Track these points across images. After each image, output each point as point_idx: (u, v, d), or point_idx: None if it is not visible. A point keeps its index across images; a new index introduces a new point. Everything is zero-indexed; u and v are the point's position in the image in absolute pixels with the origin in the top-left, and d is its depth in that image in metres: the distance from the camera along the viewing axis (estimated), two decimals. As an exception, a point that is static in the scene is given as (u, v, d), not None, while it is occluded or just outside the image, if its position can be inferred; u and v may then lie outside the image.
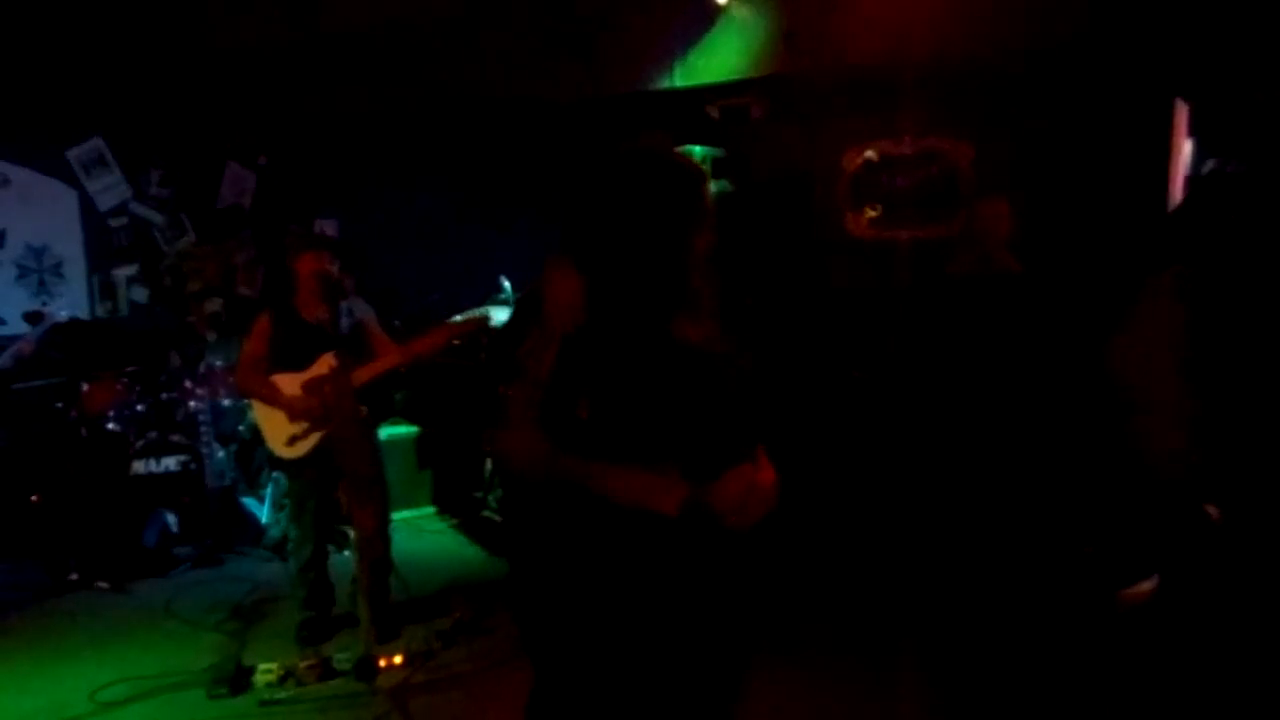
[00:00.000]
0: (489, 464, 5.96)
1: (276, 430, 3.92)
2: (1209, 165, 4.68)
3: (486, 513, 5.79)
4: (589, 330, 1.70)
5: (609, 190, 1.68)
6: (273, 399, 3.89)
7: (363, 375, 3.85)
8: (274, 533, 5.32)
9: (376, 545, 3.95)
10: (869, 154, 5.27)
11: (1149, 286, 2.47)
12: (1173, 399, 2.33)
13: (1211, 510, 2.39)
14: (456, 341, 4.08)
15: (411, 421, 6.04)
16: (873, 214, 5.26)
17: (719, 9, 5.17)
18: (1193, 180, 4.49)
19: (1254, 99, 4.45)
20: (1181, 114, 4.60)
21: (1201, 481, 2.32)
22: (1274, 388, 2.19)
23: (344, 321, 3.98)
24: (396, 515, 5.64)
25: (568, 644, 1.80)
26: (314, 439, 3.88)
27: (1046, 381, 3.36)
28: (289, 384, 3.90)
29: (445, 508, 6.01)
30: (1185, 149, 4.67)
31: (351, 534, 4.02)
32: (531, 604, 1.84)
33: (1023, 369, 3.56)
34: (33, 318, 5.25)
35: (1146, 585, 2.42)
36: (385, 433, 5.78)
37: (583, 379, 1.67)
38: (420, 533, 5.67)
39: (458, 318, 5.01)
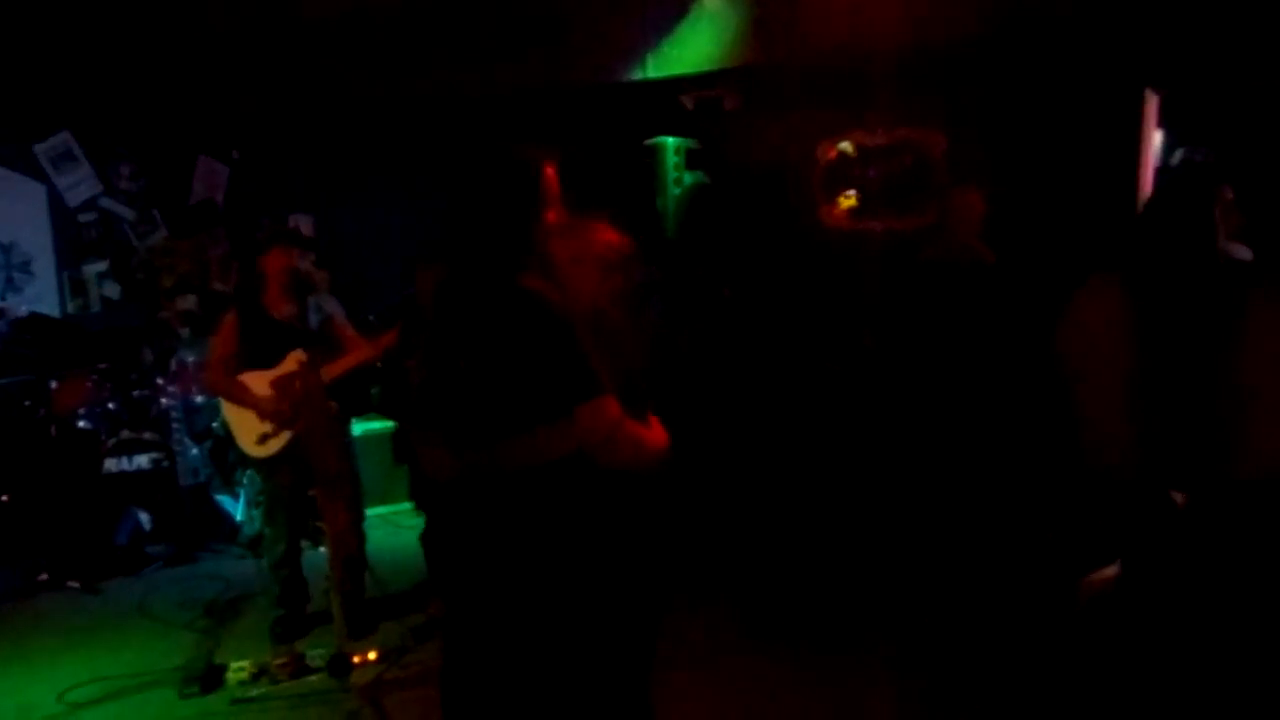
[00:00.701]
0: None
1: (247, 429, 3.88)
2: (1179, 155, 4.71)
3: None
4: (451, 300, 2.01)
5: (465, 180, 2.02)
6: (242, 399, 3.86)
7: (332, 371, 3.83)
8: (248, 530, 5.28)
9: (349, 542, 3.93)
10: (843, 145, 5.28)
11: (1089, 283, 2.48)
12: (1112, 391, 2.35)
13: (1176, 496, 2.41)
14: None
15: (387, 417, 6.01)
16: (850, 201, 5.26)
17: (691, 0, 5.16)
18: (1161, 170, 4.52)
19: (1223, 89, 4.49)
20: (1152, 104, 4.63)
21: (1146, 468, 2.34)
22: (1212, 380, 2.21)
23: (312, 317, 3.96)
24: (373, 511, 5.63)
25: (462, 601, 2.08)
26: (285, 437, 3.85)
27: (1012, 369, 3.38)
28: (258, 382, 3.87)
29: (421, 503, 5.98)
30: (1155, 139, 4.69)
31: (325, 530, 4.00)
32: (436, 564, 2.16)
33: (990, 356, 3.58)
34: (-3, 313, 5.18)
35: (1109, 571, 2.44)
36: (360, 428, 5.75)
37: (457, 340, 1.96)
38: (396, 529, 5.64)
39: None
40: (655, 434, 2.00)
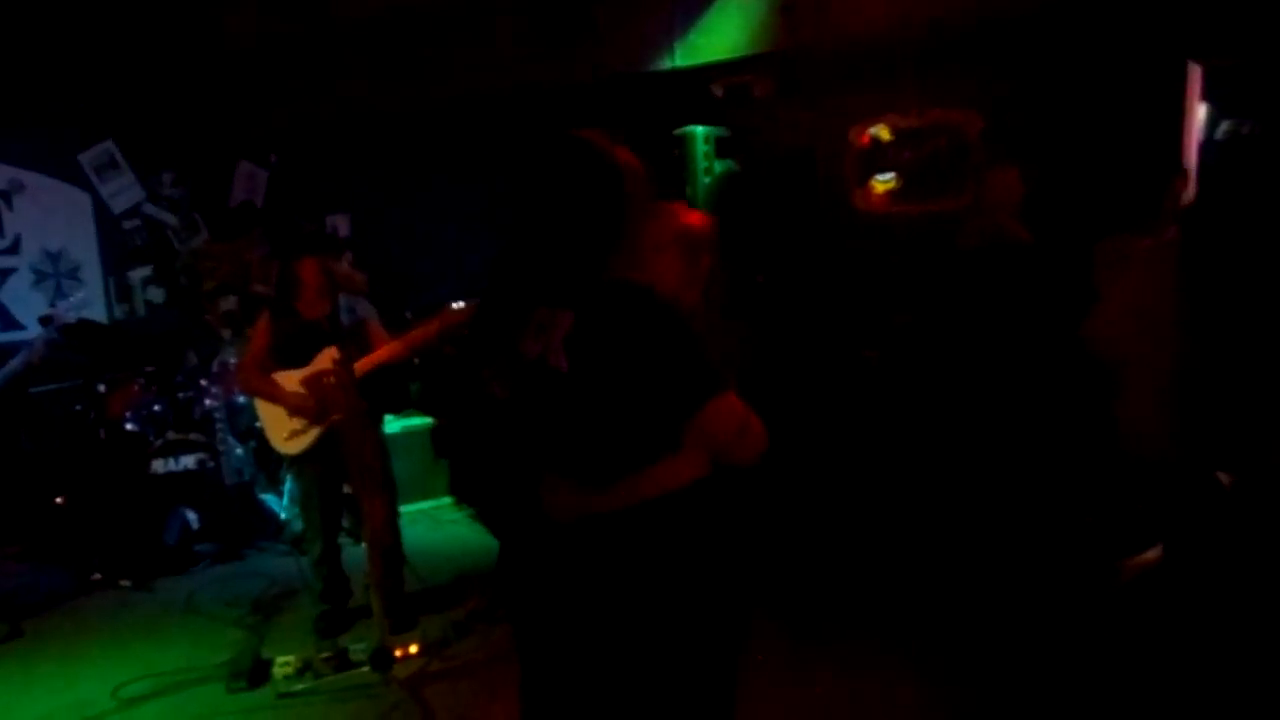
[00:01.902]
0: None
1: (276, 426, 3.95)
2: (1224, 128, 4.56)
3: (503, 502, 5.79)
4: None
5: (542, 176, 1.80)
6: (271, 394, 3.92)
7: (360, 367, 3.86)
8: (293, 528, 5.36)
9: (386, 536, 3.97)
10: (876, 129, 5.20)
11: (1119, 255, 2.41)
12: (1154, 370, 2.28)
13: (1223, 477, 2.34)
14: (457, 328, 4.08)
15: (426, 413, 6.06)
16: (888, 184, 5.18)
17: (718, -13, 5.12)
18: (1206, 144, 4.38)
19: (1268, 61, 4.33)
20: (1195, 77, 4.48)
21: (1184, 451, 2.27)
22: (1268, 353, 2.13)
23: (345, 317, 4.00)
24: (415, 506, 5.68)
25: (539, 630, 1.90)
26: (314, 434, 3.90)
27: (1055, 352, 3.30)
28: (291, 381, 3.93)
29: (461, 498, 6.02)
30: (1199, 112, 4.55)
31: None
32: (510, 593, 1.94)
33: (1032, 340, 3.50)
34: (45, 321, 5.31)
35: (1151, 554, 2.37)
36: (399, 425, 5.81)
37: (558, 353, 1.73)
38: (437, 523, 5.69)
39: (458, 304, 5.00)
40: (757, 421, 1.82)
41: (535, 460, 1.80)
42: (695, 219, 2.23)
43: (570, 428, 1.74)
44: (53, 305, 5.87)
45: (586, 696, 1.86)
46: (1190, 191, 2.61)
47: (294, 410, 3.90)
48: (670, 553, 1.77)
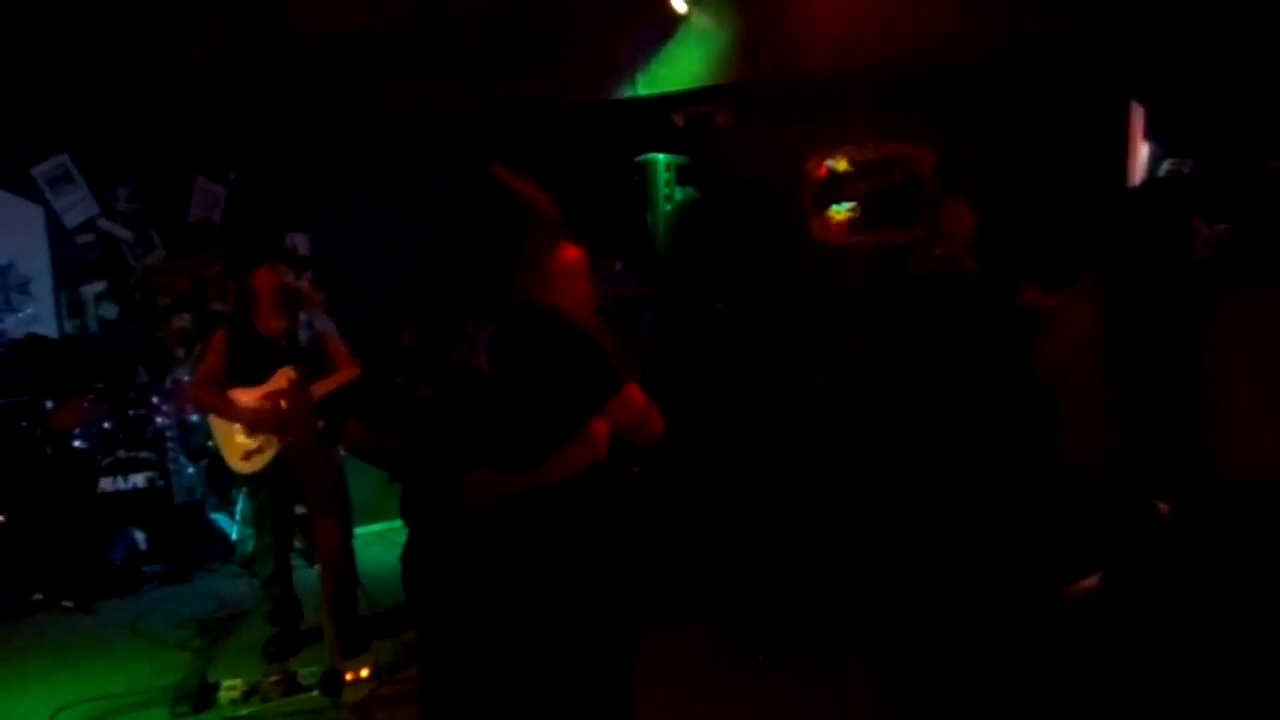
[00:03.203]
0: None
1: (232, 446, 3.91)
2: (1166, 166, 4.73)
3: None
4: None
5: (455, 206, 2.09)
6: (227, 412, 3.88)
7: (320, 389, 3.85)
8: (243, 549, 5.29)
9: (339, 558, 3.94)
10: (833, 160, 5.31)
11: (1073, 284, 2.51)
12: (1092, 395, 2.37)
13: (1161, 506, 2.42)
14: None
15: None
16: (846, 213, 5.28)
17: (679, 18, 5.19)
18: (1143, 182, 4.54)
19: (1208, 100, 4.51)
20: (1138, 116, 4.65)
21: (1124, 477, 2.35)
22: (1185, 383, 2.23)
23: (303, 335, 3.98)
24: (368, 528, 5.63)
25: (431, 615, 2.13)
26: (270, 453, 3.87)
27: (998, 380, 3.39)
28: (246, 398, 3.90)
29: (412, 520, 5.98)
30: (1142, 151, 4.71)
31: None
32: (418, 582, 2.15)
33: (977, 367, 3.59)
34: (-10, 335, 5.22)
35: (1090, 581, 2.44)
36: (356, 446, 5.76)
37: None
38: (392, 546, 5.59)
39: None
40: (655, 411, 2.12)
41: (455, 451, 1.99)
42: (573, 252, 2.49)
43: (489, 419, 1.98)
44: (0, 320, 5.75)
45: (487, 680, 2.07)
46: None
47: (249, 427, 3.86)
48: (568, 534, 2.03)
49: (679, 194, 5.32)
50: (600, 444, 2.02)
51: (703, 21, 5.18)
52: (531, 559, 2.00)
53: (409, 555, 2.15)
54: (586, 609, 2.08)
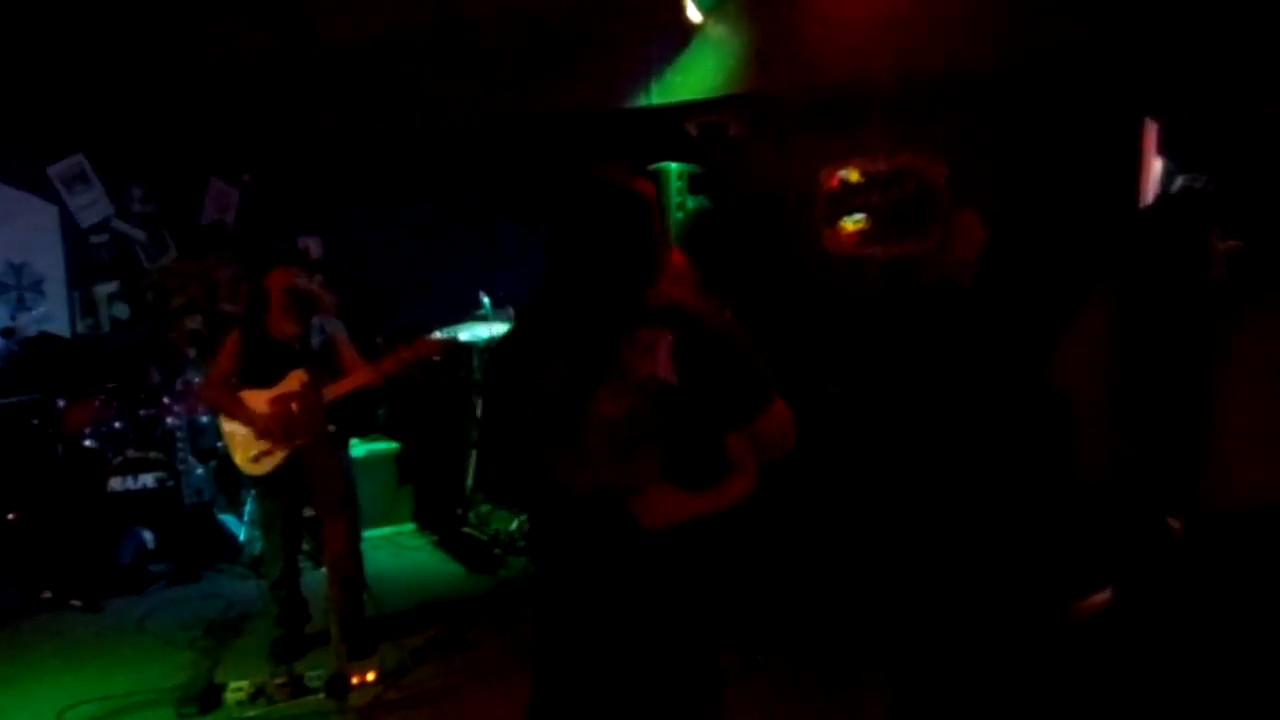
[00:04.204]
0: (470, 480, 5.96)
1: (242, 447, 3.92)
2: (1179, 182, 4.72)
3: (467, 529, 5.78)
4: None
5: (580, 213, 1.96)
6: (238, 414, 3.90)
7: (331, 393, 3.86)
8: (251, 550, 5.30)
9: (347, 562, 3.95)
10: (845, 171, 5.31)
11: (1091, 296, 2.50)
12: (1106, 408, 2.36)
13: (1174, 523, 2.41)
14: (435, 359, 4.12)
15: (392, 438, 6.04)
16: (858, 224, 5.28)
17: (694, 28, 5.21)
18: (1159, 197, 4.53)
19: (1220, 118, 4.50)
20: (1151, 132, 4.64)
21: (1134, 491, 2.34)
22: (1199, 399, 2.22)
23: (315, 338, 3.99)
24: (377, 532, 5.65)
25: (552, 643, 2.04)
26: (279, 456, 3.88)
27: (1005, 392, 3.39)
28: (257, 400, 3.91)
29: (425, 524, 6.00)
30: (1155, 167, 4.71)
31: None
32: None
33: (981, 379, 3.60)
34: (6, 333, 5.24)
35: (1101, 596, 2.43)
36: (366, 449, 5.78)
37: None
38: (400, 549, 5.66)
39: (435, 335, 5.03)
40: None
41: (636, 469, 1.87)
42: (678, 258, 2.40)
43: (676, 434, 1.86)
44: (13, 318, 5.78)
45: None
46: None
47: (261, 431, 3.87)
48: (707, 563, 1.96)
49: (691, 203, 5.33)
50: (755, 475, 1.93)
51: (718, 32, 5.19)
52: (676, 587, 1.93)
53: (549, 578, 2.07)
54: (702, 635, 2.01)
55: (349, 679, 3.72)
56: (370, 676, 3.80)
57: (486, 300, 5.69)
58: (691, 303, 1.91)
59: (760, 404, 1.89)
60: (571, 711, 2.03)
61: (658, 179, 5.28)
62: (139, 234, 6.57)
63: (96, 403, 5.39)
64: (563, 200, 1.98)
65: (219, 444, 5.60)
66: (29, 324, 5.52)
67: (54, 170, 6.17)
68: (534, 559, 2.06)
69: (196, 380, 5.55)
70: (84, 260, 6.29)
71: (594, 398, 1.86)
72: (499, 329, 5.40)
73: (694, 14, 5.10)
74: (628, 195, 1.93)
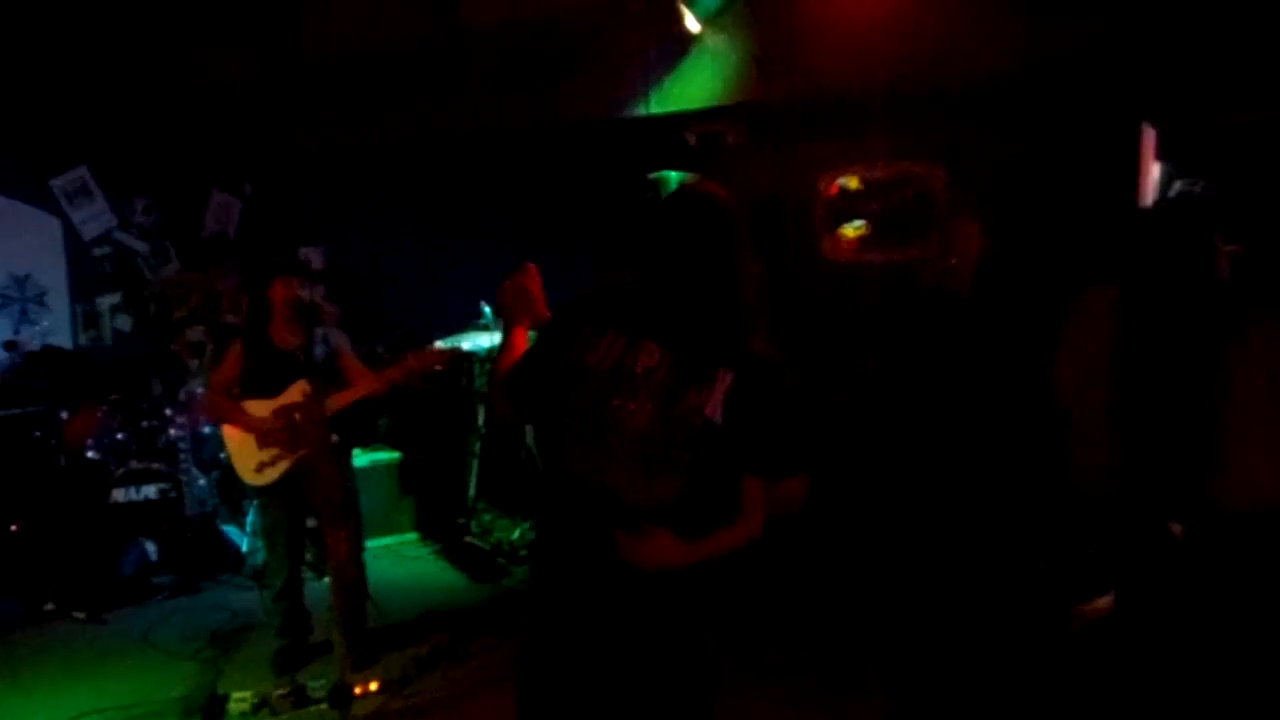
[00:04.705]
0: (471, 490, 5.97)
1: (245, 457, 3.93)
2: (1177, 187, 4.74)
3: (469, 539, 5.78)
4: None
5: (677, 227, 1.95)
6: (240, 423, 3.90)
7: (335, 403, 3.87)
8: (254, 560, 5.30)
9: (350, 571, 3.95)
10: (844, 178, 5.33)
11: (1085, 304, 2.51)
12: (1104, 415, 2.36)
13: (1174, 527, 2.41)
14: (438, 368, 4.12)
15: (394, 447, 6.05)
16: (858, 230, 5.30)
17: (693, 38, 5.23)
18: (1159, 202, 4.55)
19: (1218, 123, 4.52)
20: (1149, 137, 4.66)
21: (1132, 497, 2.35)
22: (1201, 405, 2.23)
23: (319, 349, 4.00)
24: (379, 542, 5.65)
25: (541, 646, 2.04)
26: (282, 466, 3.89)
27: (1002, 398, 3.39)
28: (260, 410, 3.92)
29: (427, 534, 6.00)
30: (1154, 172, 4.72)
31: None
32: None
33: (979, 384, 3.60)
34: (9, 346, 5.25)
35: (1103, 601, 2.43)
36: (367, 459, 5.79)
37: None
38: (401, 559, 5.66)
39: (439, 344, 5.03)
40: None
41: (645, 493, 1.87)
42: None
43: (701, 471, 1.86)
44: (17, 331, 5.81)
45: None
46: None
47: (264, 441, 3.88)
48: (702, 606, 1.97)
49: (691, 211, 5.34)
50: (761, 523, 1.93)
51: (716, 41, 5.22)
52: (661, 613, 1.94)
53: (541, 586, 2.08)
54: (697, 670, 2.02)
55: (352, 689, 3.71)
56: (373, 686, 3.80)
57: (488, 310, 5.70)
58: (767, 352, 1.90)
59: (792, 470, 1.94)
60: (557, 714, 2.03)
61: (657, 188, 5.30)
62: (141, 246, 6.60)
63: (99, 414, 5.40)
64: (666, 210, 1.99)
65: (221, 455, 5.61)
66: (32, 337, 5.54)
67: (57, 183, 6.20)
68: (531, 554, 2.11)
69: (199, 391, 5.56)
70: (87, 272, 6.32)
71: (634, 407, 1.86)
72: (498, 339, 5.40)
73: (692, 24, 5.12)
74: (719, 209, 1.94)
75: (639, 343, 1.91)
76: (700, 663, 2.00)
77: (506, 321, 2.23)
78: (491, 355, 5.31)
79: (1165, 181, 4.78)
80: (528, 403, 2.06)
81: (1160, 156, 4.74)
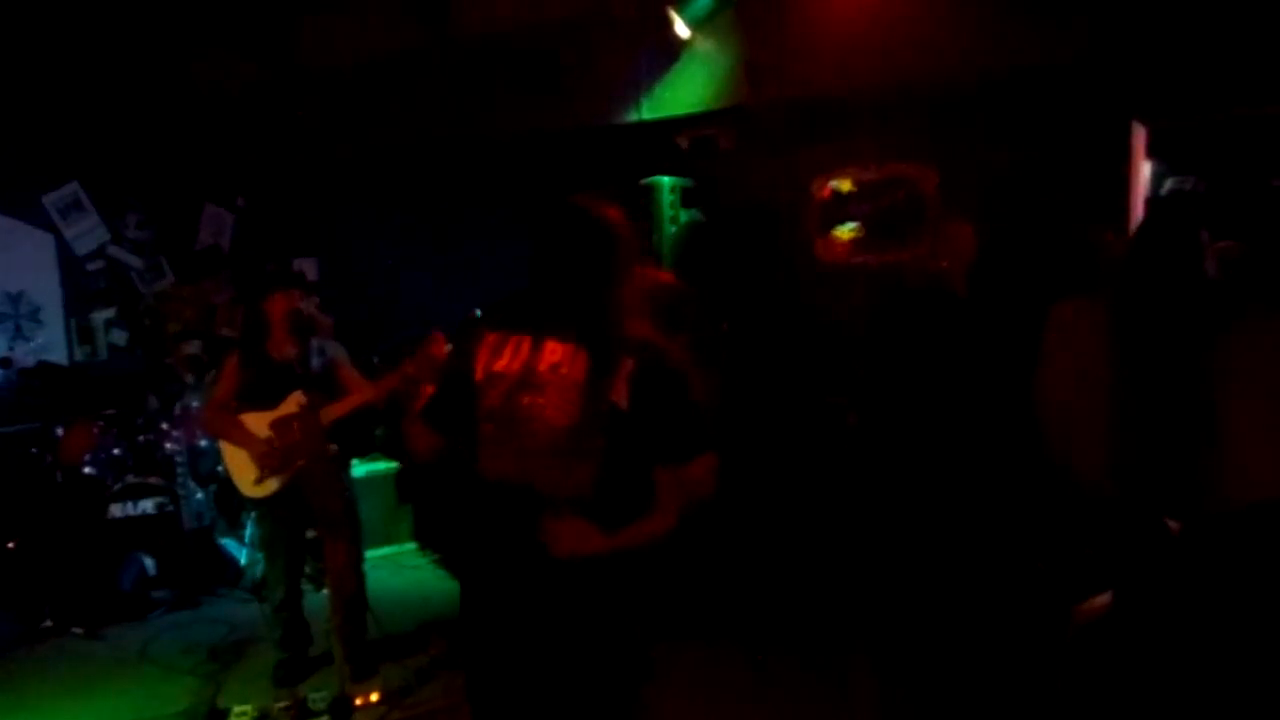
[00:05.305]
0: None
1: (243, 470, 3.92)
2: (1168, 185, 4.76)
3: (467, 547, 5.76)
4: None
5: (553, 235, 2.12)
6: (238, 438, 3.89)
7: (332, 413, 3.87)
8: (252, 574, 5.29)
9: (349, 582, 3.94)
10: (837, 181, 5.34)
11: (1077, 300, 2.52)
12: (1098, 413, 2.37)
13: (1171, 524, 2.42)
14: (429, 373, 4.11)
15: (391, 457, 6.04)
16: (851, 232, 5.31)
17: (683, 43, 5.25)
18: (1151, 200, 4.56)
19: (1208, 120, 4.54)
20: (1139, 135, 4.68)
21: (1129, 495, 2.36)
22: (1194, 402, 2.24)
23: (315, 360, 4.00)
24: (377, 552, 5.64)
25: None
26: (281, 478, 3.88)
27: (994, 396, 3.40)
28: (258, 423, 3.91)
29: (426, 543, 5.99)
30: (1144, 170, 4.74)
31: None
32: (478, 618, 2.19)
33: (969, 383, 3.61)
34: (4, 364, 5.25)
35: (1101, 600, 2.44)
36: (365, 469, 5.78)
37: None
38: (400, 569, 5.65)
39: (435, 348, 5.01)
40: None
41: (569, 481, 1.99)
42: (668, 280, 2.48)
43: (613, 457, 1.98)
44: (11, 348, 5.80)
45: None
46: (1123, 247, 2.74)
47: (259, 454, 3.87)
48: (627, 594, 2.09)
49: (683, 216, 5.35)
50: (676, 514, 2.03)
51: (706, 46, 5.23)
52: (587, 603, 2.05)
53: (473, 588, 2.20)
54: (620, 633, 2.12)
55: (353, 700, 3.72)
56: (374, 697, 3.79)
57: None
58: (658, 340, 2.03)
59: (699, 448, 2.02)
60: (502, 700, 2.16)
61: (650, 194, 5.32)
62: (135, 260, 6.60)
63: (95, 430, 5.39)
64: (541, 221, 2.14)
65: (219, 468, 5.61)
66: (27, 353, 5.53)
67: (49, 199, 6.20)
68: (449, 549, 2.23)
69: (195, 405, 5.56)
70: (81, 288, 6.31)
71: (544, 402, 1.99)
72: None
73: (682, 30, 5.14)
74: (595, 219, 2.08)
75: (542, 342, 2.05)
76: (627, 652, 2.12)
77: (416, 386, 2.39)
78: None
79: (1157, 179, 4.80)
80: (446, 419, 2.20)
81: (1151, 154, 4.77)
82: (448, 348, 4.41)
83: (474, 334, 2.16)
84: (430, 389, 2.30)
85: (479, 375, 2.09)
